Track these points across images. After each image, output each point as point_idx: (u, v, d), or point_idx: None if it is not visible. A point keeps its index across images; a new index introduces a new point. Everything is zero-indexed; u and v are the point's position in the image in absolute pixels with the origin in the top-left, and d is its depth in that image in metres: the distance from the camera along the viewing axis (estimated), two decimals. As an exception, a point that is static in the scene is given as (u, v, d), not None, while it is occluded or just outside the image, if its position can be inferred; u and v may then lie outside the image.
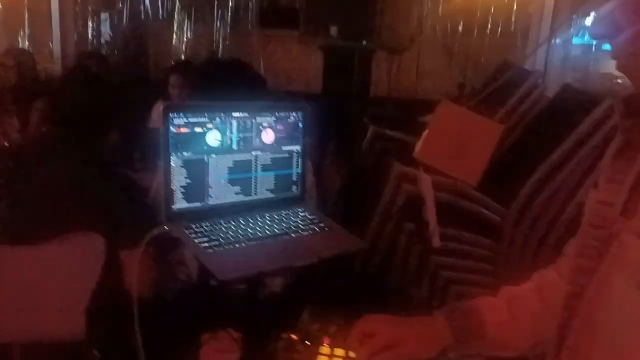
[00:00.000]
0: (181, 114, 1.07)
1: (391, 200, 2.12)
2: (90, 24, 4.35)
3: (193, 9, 4.45)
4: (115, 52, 4.40)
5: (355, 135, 2.63)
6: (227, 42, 4.57)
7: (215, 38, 4.51)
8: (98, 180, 1.57)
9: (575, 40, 4.01)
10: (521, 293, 0.92)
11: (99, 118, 1.72)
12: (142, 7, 4.42)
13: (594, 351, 0.69)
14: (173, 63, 4.03)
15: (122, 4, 4.39)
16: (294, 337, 0.98)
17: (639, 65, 0.64)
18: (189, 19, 4.43)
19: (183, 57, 4.46)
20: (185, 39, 4.44)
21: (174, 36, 4.43)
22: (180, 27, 4.44)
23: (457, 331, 0.87)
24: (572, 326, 0.72)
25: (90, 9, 4.36)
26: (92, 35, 4.33)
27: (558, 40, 3.65)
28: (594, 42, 3.97)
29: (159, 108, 3.00)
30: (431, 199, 1.97)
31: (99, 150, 1.67)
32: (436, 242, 1.96)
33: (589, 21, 3.89)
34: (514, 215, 1.98)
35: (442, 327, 0.88)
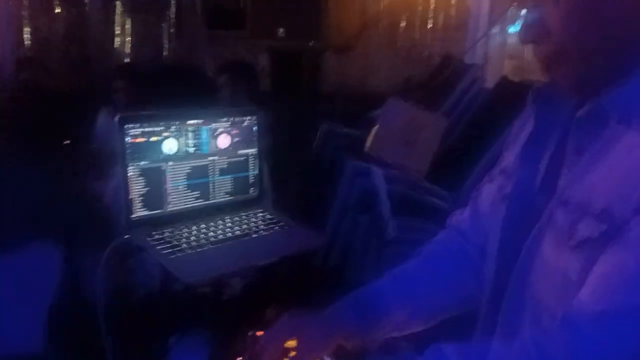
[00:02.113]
0: (136, 124, 1.09)
1: (346, 195, 2.18)
2: (26, 28, 4.20)
3: (136, 10, 4.37)
4: (54, 57, 4.26)
5: (306, 133, 2.67)
6: (172, 44, 4.51)
7: (159, 40, 4.44)
8: (51, 190, 1.55)
9: (511, 29, 4.19)
10: (405, 273, 0.96)
11: (47, 127, 1.69)
12: (81, 10, 4.30)
13: (525, 317, 0.73)
14: (115, 67, 3.95)
15: (60, 7, 4.25)
16: (259, 334, 1.02)
17: (563, 65, 0.70)
18: (132, 21, 4.34)
19: (126, 60, 4.37)
20: (128, 41, 4.34)
21: (116, 39, 4.33)
22: (123, 29, 4.34)
23: (360, 315, 0.87)
24: (504, 297, 0.76)
25: (26, 13, 4.20)
26: (29, 40, 4.18)
27: (495, 30, 3.79)
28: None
29: (105, 114, 2.94)
30: (384, 192, 2.05)
31: (51, 159, 1.65)
32: (391, 233, 2.04)
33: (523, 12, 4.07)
34: (462, 202, 2.08)
35: (345, 317, 0.86)
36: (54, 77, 3.86)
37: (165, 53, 4.50)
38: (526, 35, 0.71)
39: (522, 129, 0.85)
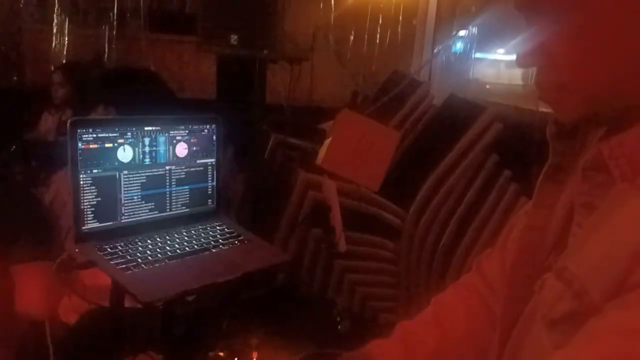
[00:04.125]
0: (89, 129, 1.02)
1: (297, 208, 2.15)
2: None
3: (74, 11, 4.17)
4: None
5: (256, 143, 2.63)
6: (113, 46, 4.34)
7: (100, 41, 4.26)
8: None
9: (454, 49, 4.35)
10: (417, 329, 0.83)
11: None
12: (16, 9, 4.05)
13: None
14: (53, 68, 3.74)
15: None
16: (221, 354, 0.97)
17: (566, 99, 0.56)
18: (70, 21, 4.13)
19: (64, 62, 4.15)
20: (66, 43, 4.14)
21: (54, 39, 4.11)
22: (61, 30, 4.13)
23: None
24: None
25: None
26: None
27: (439, 49, 3.90)
28: (472, 51, 4.34)
29: (47, 117, 2.77)
30: (336, 205, 2.03)
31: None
32: (342, 247, 2.02)
33: (462, 33, 4.23)
34: (413, 217, 2.11)
35: None
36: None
37: (104, 55, 4.33)
38: (524, 60, 0.58)
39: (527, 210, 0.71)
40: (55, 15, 4.08)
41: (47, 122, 2.74)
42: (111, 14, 4.21)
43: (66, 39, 4.14)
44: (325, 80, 3.96)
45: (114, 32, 4.21)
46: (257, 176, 2.39)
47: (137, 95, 1.50)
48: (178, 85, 4.29)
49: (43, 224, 1.47)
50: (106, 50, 4.24)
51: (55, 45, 4.15)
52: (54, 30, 4.11)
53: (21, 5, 4.12)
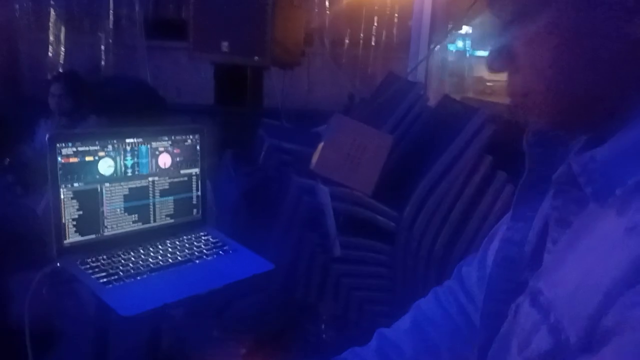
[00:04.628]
0: (69, 143, 1.01)
1: (292, 212, 2.14)
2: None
3: (70, 18, 4.18)
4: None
5: (251, 148, 2.62)
6: (110, 54, 4.35)
7: (96, 49, 4.27)
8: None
9: (450, 46, 4.33)
10: (394, 337, 0.81)
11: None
12: (11, 16, 4.07)
13: None
14: (49, 77, 3.75)
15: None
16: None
17: (534, 105, 0.54)
18: (67, 29, 4.14)
19: (60, 70, 4.17)
20: (63, 52, 4.14)
21: (50, 47, 4.12)
22: (57, 38, 4.13)
23: None
24: None
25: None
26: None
27: (433, 48, 3.88)
28: (468, 48, 4.32)
29: (41, 127, 2.78)
30: (330, 209, 2.03)
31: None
32: (337, 251, 2.02)
33: (463, 30, 4.21)
34: (407, 220, 2.10)
35: None
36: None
37: (101, 62, 4.34)
38: (492, 63, 0.56)
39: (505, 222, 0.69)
40: (50, 24, 4.09)
41: (43, 132, 2.75)
42: (107, 22, 4.21)
43: (62, 47, 4.15)
44: (322, 83, 3.96)
45: (110, 40, 4.22)
46: (251, 181, 2.38)
47: (124, 105, 1.50)
48: (175, 91, 4.30)
49: (34, 235, 1.47)
50: (103, 58, 4.25)
51: (51, 53, 4.16)
52: (50, 39, 4.12)
53: (17, 14, 4.13)
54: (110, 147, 1.07)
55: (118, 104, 1.59)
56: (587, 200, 0.51)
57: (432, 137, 2.31)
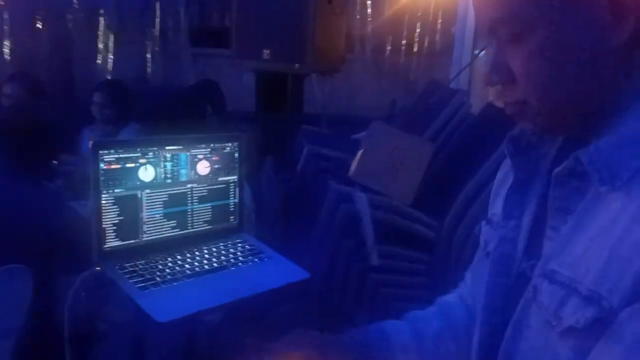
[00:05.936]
0: (111, 150, 1.04)
1: (329, 220, 2.14)
2: (7, 43, 4.13)
3: (118, 28, 4.33)
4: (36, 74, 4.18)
5: (291, 154, 2.63)
6: (156, 62, 4.47)
7: (142, 57, 4.41)
8: (29, 211, 1.48)
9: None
10: (424, 315, 0.89)
11: (28, 146, 1.63)
12: (64, 27, 4.24)
13: None
14: (97, 84, 3.88)
15: (43, 24, 4.19)
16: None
17: (527, 113, 0.63)
18: (115, 38, 4.29)
19: (108, 77, 4.31)
20: (111, 59, 4.29)
21: (98, 56, 4.28)
22: (106, 47, 4.29)
23: (362, 349, 0.82)
24: None
25: (6, 27, 4.13)
26: (10, 55, 4.11)
27: (480, 55, 3.82)
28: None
29: (89, 134, 2.88)
30: (368, 218, 2.01)
31: (30, 179, 1.58)
32: (374, 260, 2.00)
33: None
34: (447, 229, 2.05)
35: (348, 345, 0.83)
36: (35, 94, 3.79)
37: (148, 70, 4.47)
38: (491, 78, 0.63)
39: (508, 175, 0.76)
40: (100, 33, 4.24)
41: (87, 139, 2.84)
42: (153, 30, 4.34)
43: (110, 55, 4.29)
44: (363, 90, 3.94)
45: (156, 48, 4.33)
46: (290, 187, 2.39)
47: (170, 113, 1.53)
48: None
49: (79, 239, 1.51)
50: (149, 65, 4.37)
51: (100, 61, 4.31)
52: (100, 47, 4.27)
53: (70, 25, 4.30)
54: (150, 154, 1.09)
55: (160, 113, 1.62)
56: (586, 189, 0.59)
57: (475, 145, 2.26)
